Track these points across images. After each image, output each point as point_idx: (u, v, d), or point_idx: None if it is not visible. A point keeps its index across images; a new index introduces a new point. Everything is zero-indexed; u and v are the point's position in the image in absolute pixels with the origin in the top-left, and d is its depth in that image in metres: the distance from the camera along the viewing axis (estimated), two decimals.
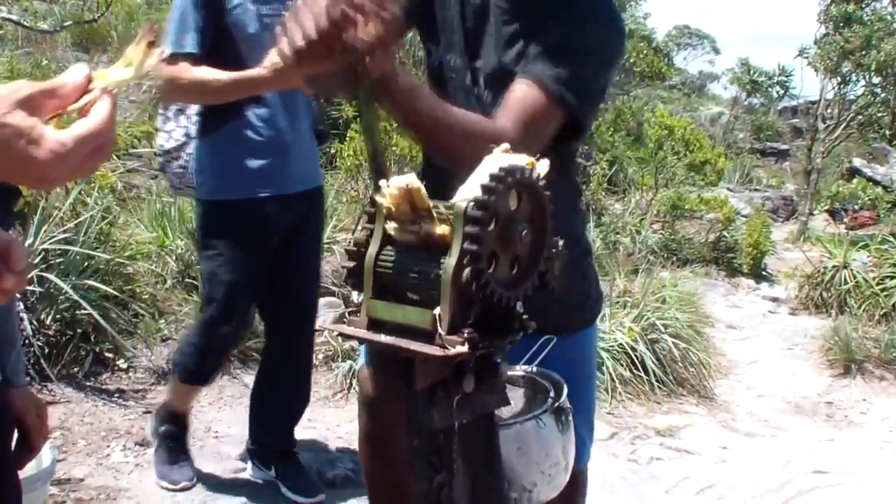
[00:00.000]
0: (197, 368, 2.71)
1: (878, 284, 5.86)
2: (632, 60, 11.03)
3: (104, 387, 3.42)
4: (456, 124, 1.37)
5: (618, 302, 4.51)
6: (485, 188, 0.93)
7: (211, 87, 2.38)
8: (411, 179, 0.97)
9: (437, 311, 0.95)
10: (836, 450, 3.88)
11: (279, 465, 2.80)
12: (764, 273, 7.46)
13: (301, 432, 2.93)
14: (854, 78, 10.50)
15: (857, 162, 11.80)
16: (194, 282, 4.06)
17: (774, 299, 6.64)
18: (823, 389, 4.71)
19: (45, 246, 3.47)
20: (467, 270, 0.93)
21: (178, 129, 2.65)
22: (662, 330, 4.33)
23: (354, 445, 2.81)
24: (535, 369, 1.55)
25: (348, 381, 3.70)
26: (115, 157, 4.82)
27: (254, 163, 2.52)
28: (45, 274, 3.38)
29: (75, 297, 3.36)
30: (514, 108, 1.42)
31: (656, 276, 5.12)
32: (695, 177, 7.93)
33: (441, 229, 0.97)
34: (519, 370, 1.54)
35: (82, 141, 0.72)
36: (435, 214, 0.97)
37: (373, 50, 1.18)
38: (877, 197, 9.82)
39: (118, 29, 7.61)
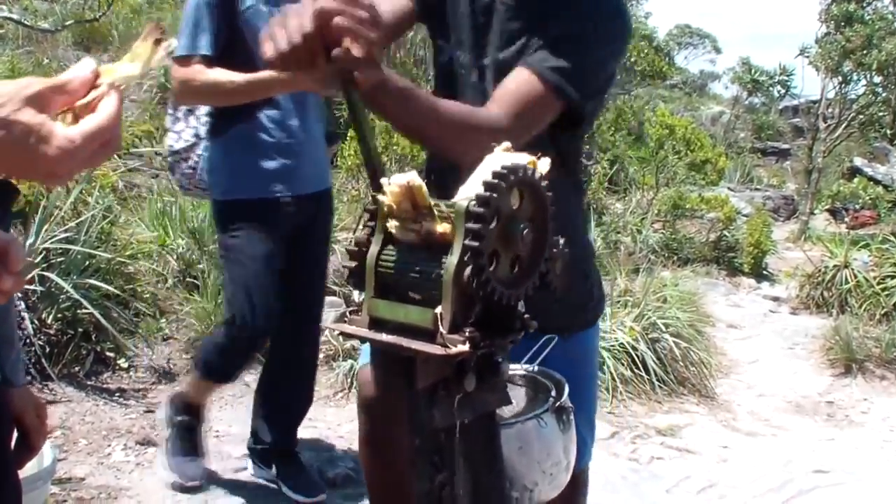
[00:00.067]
0: (219, 366, 2.69)
1: (878, 284, 5.85)
2: (633, 60, 11.03)
3: (105, 386, 3.42)
4: (447, 117, 1.37)
5: (619, 301, 4.51)
6: (487, 185, 0.93)
7: (225, 88, 2.39)
8: (412, 177, 0.97)
9: (438, 310, 0.95)
10: (837, 449, 3.88)
11: (280, 465, 2.80)
12: (765, 272, 7.45)
13: (302, 431, 2.93)
14: (855, 77, 10.50)
15: (858, 161, 11.79)
16: (195, 281, 4.07)
17: (775, 299, 6.63)
18: (824, 389, 4.71)
19: (46, 245, 3.48)
20: (469, 268, 0.93)
21: (188, 129, 2.66)
22: (663, 329, 4.33)
23: (355, 445, 2.81)
24: (536, 368, 1.54)
25: (349, 380, 3.70)
26: (116, 156, 4.82)
27: (266, 163, 2.53)
28: (46, 273, 3.38)
29: (76, 296, 3.36)
30: (506, 97, 1.42)
31: (657, 276, 5.12)
32: (696, 176, 7.92)
33: (442, 228, 0.97)
34: (520, 369, 1.54)
35: (90, 137, 0.73)
36: (436, 213, 0.97)
37: (358, 65, 1.18)
38: (878, 196, 9.81)
39: (119, 28, 7.62)
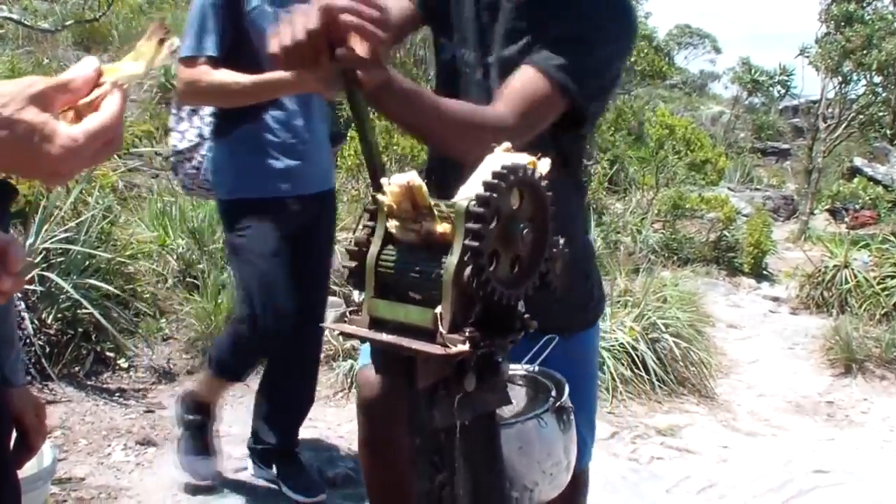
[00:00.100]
0: (232, 365, 2.68)
1: (878, 284, 5.85)
2: (633, 59, 11.03)
3: (105, 386, 3.42)
4: (452, 116, 1.37)
5: (619, 301, 4.51)
6: (487, 185, 0.93)
7: (231, 89, 2.39)
8: (412, 177, 0.97)
9: (438, 309, 0.95)
10: (837, 449, 3.88)
11: (280, 465, 2.80)
12: (765, 272, 7.45)
13: (302, 432, 2.93)
14: (855, 77, 10.50)
15: (858, 161, 11.80)
16: (195, 281, 4.07)
17: (775, 299, 6.63)
18: (824, 389, 4.71)
19: (46, 245, 3.48)
20: (469, 268, 0.93)
21: (192, 129, 2.65)
22: (663, 329, 4.33)
23: (355, 445, 2.81)
24: (536, 368, 1.54)
25: (349, 380, 3.70)
26: (116, 156, 4.82)
27: (272, 163, 2.53)
28: (46, 273, 3.38)
29: (76, 296, 3.36)
30: (512, 95, 1.42)
31: (657, 276, 5.12)
32: (696, 176, 7.93)
33: (442, 228, 0.97)
34: (521, 369, 1.54)
35: (93, 136, 0.73)
36: (436, 213, 0.97)
37: (363, 65, 1.18)
38: (877, 196, 9.82)
39: (119, 28, 7.62)
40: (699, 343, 4.51)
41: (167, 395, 3.44)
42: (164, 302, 4.03)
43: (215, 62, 2.40)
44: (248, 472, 2.88)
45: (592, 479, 1.88)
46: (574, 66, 1.44)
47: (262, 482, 2.84)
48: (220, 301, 3.76)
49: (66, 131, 0.72)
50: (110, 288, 3.57)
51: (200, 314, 3.78)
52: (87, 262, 3.59)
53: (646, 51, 11.93)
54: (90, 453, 2.96)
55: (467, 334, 0.94)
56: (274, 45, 1.18)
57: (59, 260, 3.52)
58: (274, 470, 2.80)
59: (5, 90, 0.70)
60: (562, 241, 1.03)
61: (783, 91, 16.08)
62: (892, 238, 6.50)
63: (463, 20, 1.61)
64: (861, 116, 10.95)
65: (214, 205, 4.30)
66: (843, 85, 10.52)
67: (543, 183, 0.99)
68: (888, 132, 11.70)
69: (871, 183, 10.31)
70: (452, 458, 1.02)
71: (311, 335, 2.80)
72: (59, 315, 3.41)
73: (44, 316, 3.37)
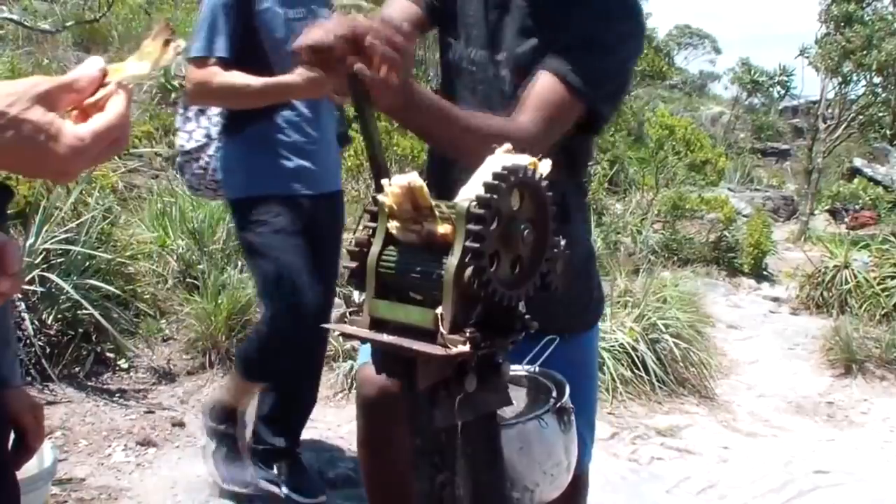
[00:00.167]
0: (259, 365, 2.63)
1: (878, 284, 5.85)
2: None
3: (105, 387, 3.42)
4: (478, 129, 1.38)
5: (619, 302, 4.51)
6: (487, 187, 0.93)
7: (242, 92, 2.38)
8: (413, 178, 0.97)
9: (439, 310, 0.95)
10: (837, 450, 3.88)
11: (281, 465, 2.80)
12: (765, 273, 7.45)
13: (302, 432, 2.93)
14: (855, 78, 10.52)
15: (858, 162, 11.81)
16: (195, 282, 4.07)
17: (775, 299, 6.63)
18: (824, 389, 4.71)
19: (46, 246, 3.47)
20: (469, 269, 0.93)
21: (199, 129, 2.64)
22: (663, 330, 4.33)
23: (355, 445, 2.81)
24: (537, 369, 1.55)
25: (349, 381, 3.70)
26: (116, 156, 4.82)
27: (284, 163, 2.52)
28: (46, 274, 3.38)
29: (76, 296, 3.36)
30: (534, 104, 1.44)
31: (657, 276, 5.12)
32: (695, 177, 7.93)
33: (443, 228, 0.97)
34: (521, 370, 1.54)
35: (99, 136, 0.73)
36: (437, 214, 0.97)
37: (385, 86, 1.21)
38: (877, 197, 9.83)
39: (119, 29, 7.61)
40: (699, 343, 4.51)
41: (167, 396, 3.44)
42: (164, 302, 4.03)
43: (226, 64, 2.39)
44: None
45: (592, 480, 1.88)
46: (590, 70, 1.46)
47: (263, 483, 2.83)
48: (220, 302, 3.76)
49: (73, 131, 0.72)
50: (110, 288, 3.57)
51: (200, 315, 3.78)
52: (88, 263, 3.59)
53: (646, 51, 11.93)
54: (90, 454, 2.96)
55: (468, 335, 0.94)
56: (300, 42, 1.21)
57: (59, 260, 3.52)
58: (275, 470, 2.80)
59: (11, 90, 0.71)
60: (562, 241, 1.03)
61: (783, 91, 16.11)
62: (892, 238, 6.51)
63: (470, 19, 1.62)
64: (861, 117, 10.96)
65: (214, 205, 4.32)
66: (842, 85, 10.54)
67: (544, 183, 0.99)
68: (888, 132, 11.71)
69: (871, 183, 10.32)
70: (453, 458, 1.02)
71: (316, 335, 2.79)
72: (60, 316, 3.41)
73: (44, 316, 3.37)
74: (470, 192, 0.98)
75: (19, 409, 1.44)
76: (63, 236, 3.56)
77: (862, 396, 4.63)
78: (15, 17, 6.30)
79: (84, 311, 3.42)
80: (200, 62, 2.40)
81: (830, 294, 6.13)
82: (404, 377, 1.01)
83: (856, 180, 10.34)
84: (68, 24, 6.49)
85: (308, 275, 2.52)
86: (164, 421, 3.22)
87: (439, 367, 0.97)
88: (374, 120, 1.25)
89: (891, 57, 9.78)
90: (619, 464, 3.46)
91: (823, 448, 3.88)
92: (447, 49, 1.68)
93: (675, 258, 7.05)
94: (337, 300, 4.15)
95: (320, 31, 1.21)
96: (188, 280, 4.17)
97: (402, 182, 0.97)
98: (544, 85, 1.45)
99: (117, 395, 3.38)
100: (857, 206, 9.88)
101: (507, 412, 1.37)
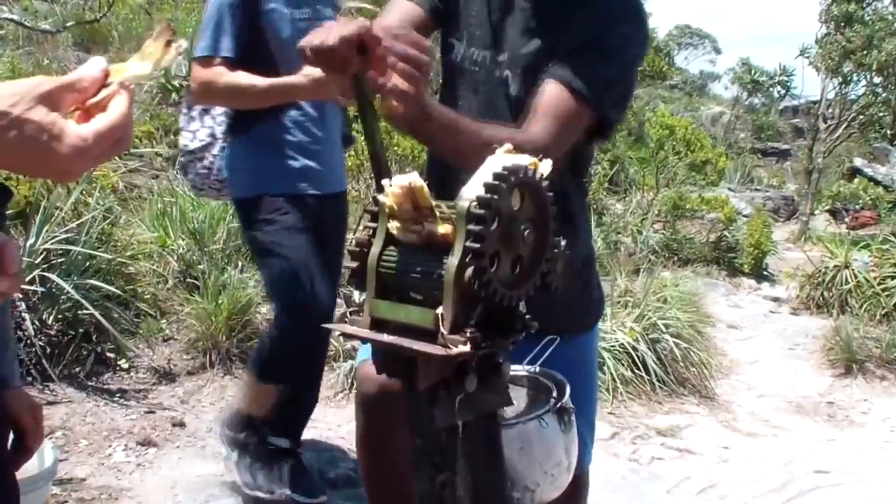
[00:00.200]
0: (280, 367, 2.60)
1: (879, 284, 5.86)
2: None
3: (106, 387, 3.42)
4: (489, 142, 1.38)
5: (619, 302, 4.51)
6: (488, 187, 0.94)
7: (247, 92, 2.37)
8: (414, 178, 0.97)
9: (439, 310, 0.95)
10: (838, 450, 3.88)
11: (283, 466, 2.79)
12: (765, 273, 7.45)
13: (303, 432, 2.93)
14: (855, 78, 10.51)
15: (859, 162, 11.81)
16: (196, 282, 4.07)
17: (775, 299, 6.63)
18: (825, 389, 4.71)
19: (46, 246, 3.47)
20: (470, 269, 0.93)
21: (203, 129, 2.64)
22: (664, 330, 4.33)
23: (355, 445, 2.81)
24: (537, 369, 1.55)
25: (349, 381, 3.70)
26: (116, 157, 4.82)
27: (290, 162, 2.52)
28: (46, 274, 3.38)
29: (77, 296, 3.36)
30: (545, 114, 1.44)
31: (657, 276, 5.12)
32: (696, 177, 7.93)
33: (444, 229, 0.97)
34: (522, 370, 1.54)
35: (102, 136, 0.73)
36: (437, 214, 0.97)
37: (402, 98, 1.21)
38: (878, 197, 9.83)
39: (119, 29, 7.61)
40: (699, 343, 4.51)
41: (168, 396, 3.44)
42: (164, 302, 4.03)
43: (231, 64, 2.38)
44: None
45: (592, 480, 1.88)
46: (596, 76, 1.46)
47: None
48: (220, 302, 3.76)
49: (75, 131, 0.72)
50: (111, 288, 3.57)
51: (201, 315, 3.78)
52: (88, 263, 3.59)
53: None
54: (91, 454, 2.96)
55: (468, 335, 0.94)
56: (307, 42, 1.22)
57: (59, 261, 3.52)
58: (276, 471, 2.79)
59: (14, 90, 0.71)
60: (562, 241, 1.03)
61: (783, 91, 16.10)
62: (892, 238, 6.51)
63: (473, 19, 1.62)
64: (861, 117, 10.96)
65: (215, 206, 4.31)
66: (843, 85, 10.54)
67: (544, 183, 1.00)
68: (888, 132, 11.71)
69: (872, 183, 10.32)
70: (453, 458, 1.02)
71: (319, 335, 2.78)
72: (60, 316, 3.41)
73: (44, 317, 3.37)
74: (470, 192, 0.98)
75: (18, 410, 1.44)
76: (63, 236, 3.56)
77: (862, 396, 4.63)
78: (15, 17, 6.30)
79: (84, 311, 3.42)
80: (206, 62, 2.39)
81: (831, 294, 6.13)
82: (405, 377, 1.01)
83: (856, 180, 10.34)
84: (69, 24, 6.48)
85: (319, 273, 2.52)
86: (165, 421, 3.22)
87: (440, 367, 0.97)
88: (376, 120, 1.25)
89: (891, 57, 9.78)
90: (620, 464, 3.46)
91: (824, 448, 3.88)
92: (449, 49, 1.68)
93: (676, 258, 7.05)
94: (337, 300, 4.16)
95: (325, 32, 1.21)
96: (188, 280, 4.17)
97: (402, 182, 0.97)
98: (552, 94, 1.45)
99: (118, 395, 3.38)
100: (857, 206, 9.87)
101: (507, 412, 1.37)
